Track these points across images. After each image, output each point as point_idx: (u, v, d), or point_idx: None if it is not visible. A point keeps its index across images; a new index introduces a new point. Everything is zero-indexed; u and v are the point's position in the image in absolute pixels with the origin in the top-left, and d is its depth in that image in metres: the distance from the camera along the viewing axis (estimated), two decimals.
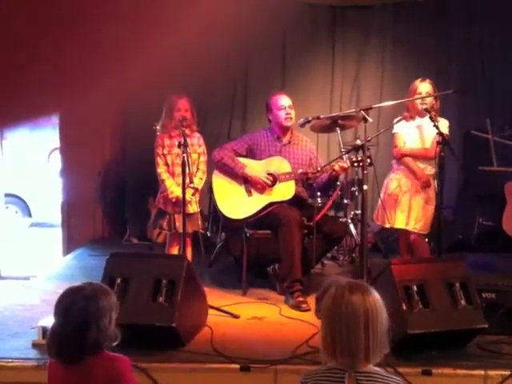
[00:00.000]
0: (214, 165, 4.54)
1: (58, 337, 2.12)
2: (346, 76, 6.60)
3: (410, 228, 4.47)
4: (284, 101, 4.50)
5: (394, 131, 4.60)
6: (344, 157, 4.27)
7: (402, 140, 4.55)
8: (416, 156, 4.49)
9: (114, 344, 2.20)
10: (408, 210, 4.45)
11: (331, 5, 6.52)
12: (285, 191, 4.38)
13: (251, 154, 4.56)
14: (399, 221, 4.47)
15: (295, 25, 6.48)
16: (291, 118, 4.49)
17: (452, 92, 4.62)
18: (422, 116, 4.43)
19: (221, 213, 4.42)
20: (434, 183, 4.30)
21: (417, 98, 4.43)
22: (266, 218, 4.30)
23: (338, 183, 5.01)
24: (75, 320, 2.10)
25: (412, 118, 4.51)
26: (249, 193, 4.42)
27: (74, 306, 2.12)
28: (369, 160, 4.03)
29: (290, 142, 4.59)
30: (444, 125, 4.43)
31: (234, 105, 6.66)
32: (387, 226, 4.56)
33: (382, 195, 4.57)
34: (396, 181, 4.52)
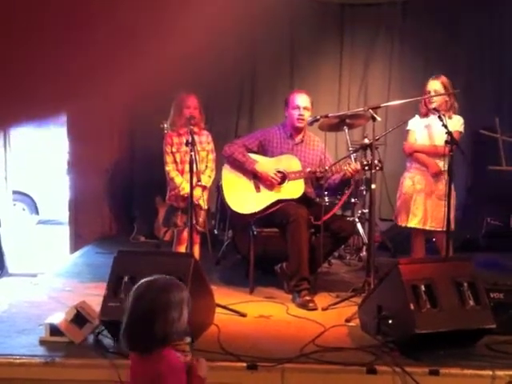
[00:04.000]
0: (223, 160, 4.49)
1: (127, 327, 2.11)
2: (354, 74, 6.59)
3: (427, 227, 4.44)
4: (300, 100, 4.44)
5: (407, 128, 4.61)
6: (352, 156, 4.25)
7: (413, 137, 4.57)
8: (426, 153, 4.49)
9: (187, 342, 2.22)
10: (424, 208, 4.43)
11: (340, 3, 6.52)
12: (294, 189, 4.35)
13: (262, 150, 4.50)
14: (415, 220, 4.45)
15: (303, 23, 6.48)
16: (303, 120, 4.43)
17: (459, 91, 4.59)
18: (434, 113, 4.40)
19: (228, 207, 4.36)
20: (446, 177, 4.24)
21: (424, 98, 4.42)
22: (274, 215, 4.27)
23: (351, 185, 4.97)
24: (143, 310, 2.10)
25: (426, 114, 4.51)
26: (257, 189, 4.37)
27: (144, 296, 2.12)
28: (380, 164, 4.03)
29: (302, 141, 4.55)
30: (458, 122, 4.44)
31: (242, 104, 6.67)
32: (403, 224, 4.53)
33: (398, 194, 4.57)
34: (410, 179, 4.52)
